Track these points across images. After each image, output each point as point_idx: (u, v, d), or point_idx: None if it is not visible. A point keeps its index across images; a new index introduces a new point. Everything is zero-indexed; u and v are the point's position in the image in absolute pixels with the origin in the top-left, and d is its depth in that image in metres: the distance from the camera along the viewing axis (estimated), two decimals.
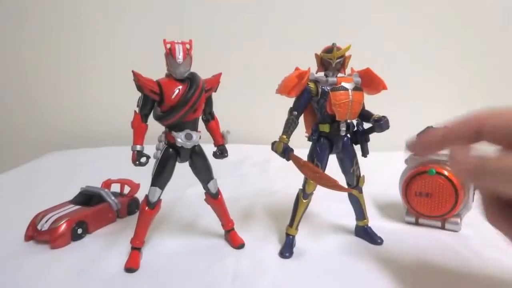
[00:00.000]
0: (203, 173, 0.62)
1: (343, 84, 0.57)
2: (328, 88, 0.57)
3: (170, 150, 0.58)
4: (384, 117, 0.58)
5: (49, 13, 1.51)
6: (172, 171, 0.59)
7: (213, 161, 0.63)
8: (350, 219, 0.67)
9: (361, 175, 0.64)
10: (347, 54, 0.58)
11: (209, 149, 0.63)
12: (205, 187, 0.63)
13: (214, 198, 0.64)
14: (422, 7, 1.33)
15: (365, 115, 0.60)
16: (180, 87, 0.55)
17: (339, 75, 0.59)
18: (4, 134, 1.64)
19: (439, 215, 0.67)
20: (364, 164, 0.64)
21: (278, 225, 0.69)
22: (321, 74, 0.59)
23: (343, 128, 0.58)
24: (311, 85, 0.58)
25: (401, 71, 1.31)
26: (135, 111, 0.56)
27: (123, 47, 1.49)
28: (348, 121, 0.59)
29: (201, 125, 0.61)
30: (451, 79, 1.36)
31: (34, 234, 0.65)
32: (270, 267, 0.56)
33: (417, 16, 1.34)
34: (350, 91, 0.57)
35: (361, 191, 0.64)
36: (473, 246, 0.61)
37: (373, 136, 0.61)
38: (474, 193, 0.69)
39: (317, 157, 0.59)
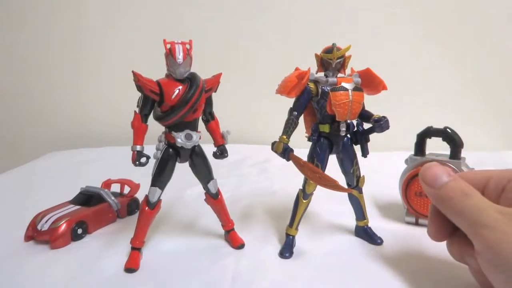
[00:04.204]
0: (203, 173, 0.62)
1: (343, 84, 0.57)
2: (328, 88, 0.57)
3: (170, 150, 0.58)
4: (384, 117, 0.58)
5: (49, 13, 1.51)
6: (172, 171, 0.59)
7: (213, 161, 0.63)
8: (350, 219, 0.67)
9: (361, 175, 0.64)
10: (347, 54, 0.59)
11: (209, 149, 0.63)
12: (205, 187, 0.63)
13: (214, 198, 0.64)
14: (422, 7, 1.33)
15: (365, 115, 0.60)
16: (180, 87, 0.55)
17: (339, 75, 0.59)
18: (4, 134, 1.64)
19: None
20: (364, 164, 0.64)
21: (278, 225, 0.70)
22: (321, 74, 0.59)
23: (343, 129, 0.58)
24: (311, 85, 0.58)
25: (401, 71, 1.32)
26: (135, 111, 0.56)
27: (123, 47, 1.49)
28: (348, 121, 0.59)
29: (201, 125, 0.61)
30: (451, 79, 1.37)
31: (34, 234, 0.65)
32: (270, 267, 0.56)
33: (417, 16, 1.34)
34: (350, 91, 0.57)
35: (361, 192, 0.64)
36: None
37: (373, 136, 0.61)
38: None
39: (317, 158, 0.59)
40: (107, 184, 0.81)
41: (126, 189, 0.81)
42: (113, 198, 0.75)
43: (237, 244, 0.62)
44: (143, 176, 0.65)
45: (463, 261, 0.47)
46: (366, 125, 0.61)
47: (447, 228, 0.46)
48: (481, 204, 0.40)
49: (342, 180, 0.59)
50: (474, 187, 0.43)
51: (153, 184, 0.58)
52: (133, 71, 0.55)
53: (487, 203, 0.40)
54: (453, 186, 0.42)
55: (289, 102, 0.60)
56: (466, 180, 0.44)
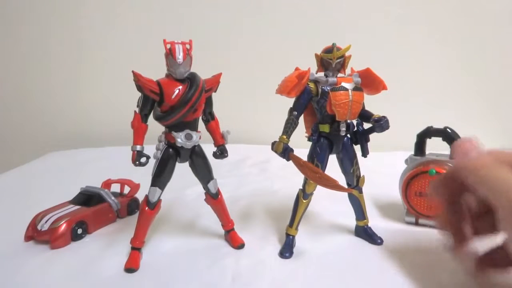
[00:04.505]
0: (203, 173, 0.62)
1: (343, 84, 0.57)
2: (328, 88, 0.57)
3: (170, 150, 0.58)
4: (384, 117, 0.58)
5: (49, 13, 1.51)
6: (172, 171, 0.59)
7: (213, 161, 0.63)
8: (350, 219, 0.67)
9: (361, 175, 0.64)
10: (347, 54, 0.59)
11: (209, 149, 0.63)
12: (205, 187, 0.63)
13: (214, 198, 0.64)
14: (423, 7, 1.33)
15: (365, 115, 0.60)
16: (180, 87, 0.55)
17: (339, 75, 0.59)
18: (4, 134, 1.64)
19: None
20: (364, 164, 0.64)
21: (278, 225, 0.69)
22: (321, 74, 0.59)
23: (343, 128, 0.58)
24: (311, 85, 0.58)
25: (401, 71, 1.32)
26: (135, 111, 0.56)
27: (123, 47, 1.49)
28: (348, 121, 0.59)
29: (201, 125, 0.61)
30: (451, 79, 1.37)
31: (34, 234, 0.65)
32: (270, 267, 0.56)
33: (417, 16, 1.34)
34: (350, 91, 0.57)
35: (361, 191, 0.64)
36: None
37: (373, 136, 0.61)
38: None
39: (317, 158, 0.59)
40: (107, 184, 0.81)
41: (126, 189, 0.81)
42: (113, 198, 0.75)
43: (237, 244, 0.62)
44: (143, 176, 0.65)
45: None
46: (366, 125, 0.61)
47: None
48: (506, 173, 0.41)
49: (342, 180, 0.59)
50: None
51: (153, 184, 0.58)
52: (133, 71, 0.55)
53: None
54: (482, 159, 0.44)
55: (289, 102, 0.60)
56: (498, 157, 0.45)
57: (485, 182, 0.42)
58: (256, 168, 1.15)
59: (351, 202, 0.65)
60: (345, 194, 0.64)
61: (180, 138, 0.57)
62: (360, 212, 0.65)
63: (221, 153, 0.63)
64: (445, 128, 0.69)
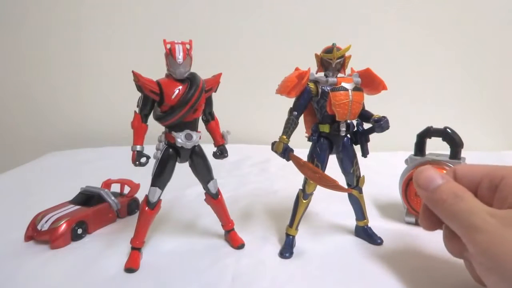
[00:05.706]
0: (203, 173, 0.62)
1: (343, 84, 0.57)
2: (328, 88, 0.57)
3: (170, 150, 0.58)
4: (384, 117, 0.58)
5: (49, 13, 1.51)
6: (172, 171, 0.59)
7: (213, 161, 0.63)
8: (350, 219, 0.67)
9: (361, 175, 0.64)
10: (347, 54, 0.59)
11: (209, 149, 0.63)
12: (205, 187, 0.63)
13: (214, 198, 0.64)
14: (422, 7, 1.33)
15: (365, 115, 0.60)
16: (180, 87, 0.55)
17: (339, 75, 0.59)
18: (4, 134, 1.64)
19: None
20: (364, 164, 0.64)
21: (278, 225, 0.70)
22: (321, 74, 0.59)
23: (343, 129, 0.58)
24: (311, 85, 0.58)
25: (401, 71, 1.32)
26: (135, 111, 0.56)
27: (123, 47, 1.49)
28: (348, 121, 0.59)
29: (201, 125, 0.61)
30: (451, 79, 1.37)
31: (34, 234, 0.65)
32: (270, 267, 0.56)
33: (417, 16, 1.34)
34: (350, 91, 0.57)
35: (361, 191, 0.64)
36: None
37: (373, 136, 0.61)
38: None
39: (317, 158, 0.59)
40: (107, 184, 0.81)
41: (126, 189, 0.81)
42: (113, 198, 0.75)
43: (237, 244, 0.62)
44: (143, 176, 0.65)
45: (461, 256, 0.47)
46: (366, 125, 0.61)
47: (439, 221, 0.47)
48: (473, 206, 0.40)
49: (342, 180, 0.59)
50: (469, 183, 0.44)
51: (153, 184, 0.58)
52: (133, 71, 0.55)
53: (478, 206, 0.40)
54: (446, 189, 0.43)
55: (289, 102, 0.60)
56: (462, 175, 0.45)
57: (451, 216, 0.42)
58: (256, 168, 1.15)
59: (351, 202, 0.65)
60: (345, 194, 0.64)
61: (180, 138, 0.57)
62: (360, 212, 0.65)
63: (221, 153, 0.63)
64: (445, 128, 0.69)
